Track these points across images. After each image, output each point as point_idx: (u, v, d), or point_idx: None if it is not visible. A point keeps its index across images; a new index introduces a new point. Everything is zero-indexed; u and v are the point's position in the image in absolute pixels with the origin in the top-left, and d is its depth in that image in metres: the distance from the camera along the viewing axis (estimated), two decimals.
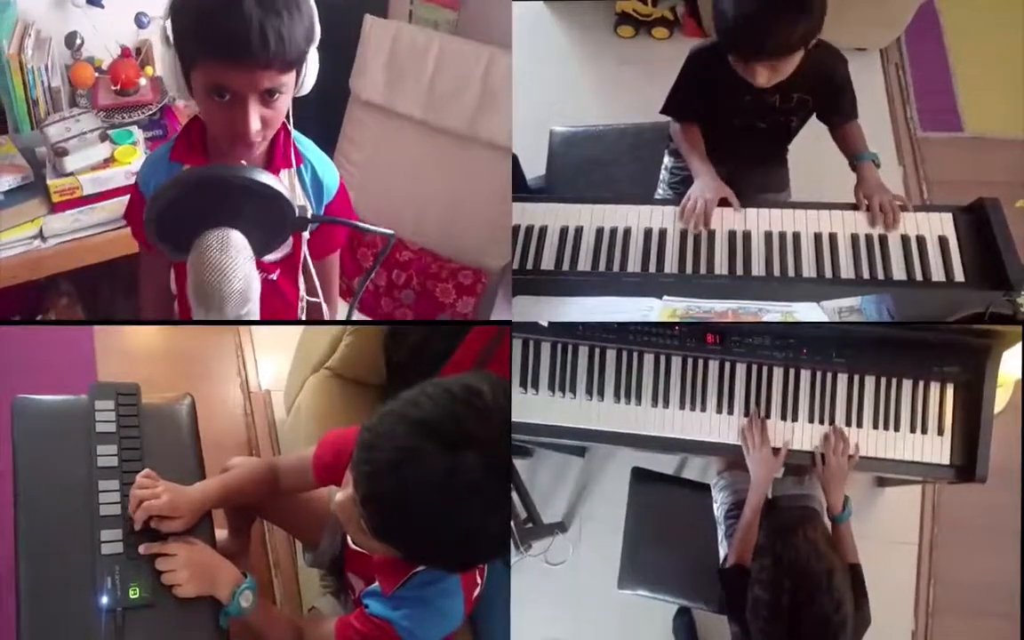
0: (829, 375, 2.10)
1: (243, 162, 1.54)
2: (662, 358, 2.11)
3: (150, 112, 2.48)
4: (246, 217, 1.38)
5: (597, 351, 2.11)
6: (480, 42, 2.50)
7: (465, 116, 2.51)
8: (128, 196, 1.81)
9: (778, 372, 2.10)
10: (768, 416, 2.09)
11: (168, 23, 1.47)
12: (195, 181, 1.38)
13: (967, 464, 2.05)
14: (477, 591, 1.59)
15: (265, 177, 1.39)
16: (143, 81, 2.51)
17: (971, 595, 2.71)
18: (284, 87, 1.47)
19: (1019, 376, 2.33)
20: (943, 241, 1.98)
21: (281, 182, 1.46)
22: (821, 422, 2.08)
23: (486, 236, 2.50)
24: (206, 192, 1.37)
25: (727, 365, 2.11)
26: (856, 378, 2.09)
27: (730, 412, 2.09)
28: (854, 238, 2.00)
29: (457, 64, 2.35)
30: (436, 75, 2.51)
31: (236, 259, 1.36)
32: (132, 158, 2.28)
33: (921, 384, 2.08)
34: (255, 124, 1.46)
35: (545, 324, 1.99)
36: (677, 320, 1.89)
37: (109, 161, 2.29)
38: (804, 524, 1.71)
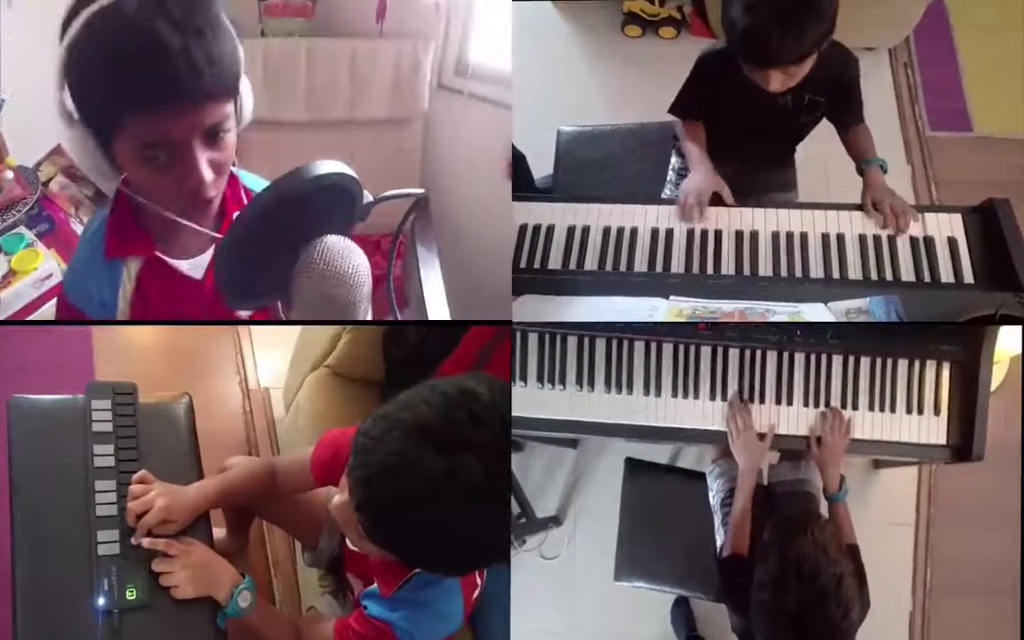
0: (824, 357, 2.08)
1: (194, 225, 1.35)
2: (653, 346, 2.09)
3: (27, 207, 2.11)
4: (327, 220, 1.29)
5: (586, 341, 2.09)
6: (341, 36, 2.65)
7: (343, 105, 2.65)
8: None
9: (772, 356, 2.08)
10: (762, 400, 2.07)
11: (65, 96, 1.25)
12: (292, 200, 1.23)
13: (963, 444, 2.04)
14: (477, 592, 1.58)
15: (334, 167, 1.27)
16: (8, 174, 2.11)
17: (968, 575, 2.71)
18: (227, 121, 1.30)
19: (1014, 352, 2.31)
20: (952, 242, 1.96)
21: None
22: (816, 405, 2.07)
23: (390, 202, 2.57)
24: (297, 211, 1.24)
25: (719, 350, 2.09)
26: (851, 359, 2.08)
27: (724, 398, 2.07)
28: (862, 239, 1.99)
29: (326, 61, 2.58)
30: (310, 77, 2.65)
31: (355, 258, 1.29)
32: (36, 263, 1.98)
33: (917, 364, 2.07)
34: (207, 173, 1.28)
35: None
36: (684, 320, 1.88)
37: (9, 276, 1.96)
38: (811, 524, 1.70)
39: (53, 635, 1.46)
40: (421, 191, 1.43)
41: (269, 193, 1.24)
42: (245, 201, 1.49)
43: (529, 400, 2.08)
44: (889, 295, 1.86)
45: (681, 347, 2.09)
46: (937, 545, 2.75)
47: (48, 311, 1.98)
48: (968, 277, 1.92)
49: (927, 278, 1.92)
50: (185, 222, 1.33)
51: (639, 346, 2.09)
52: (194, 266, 1.48)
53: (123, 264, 1.46)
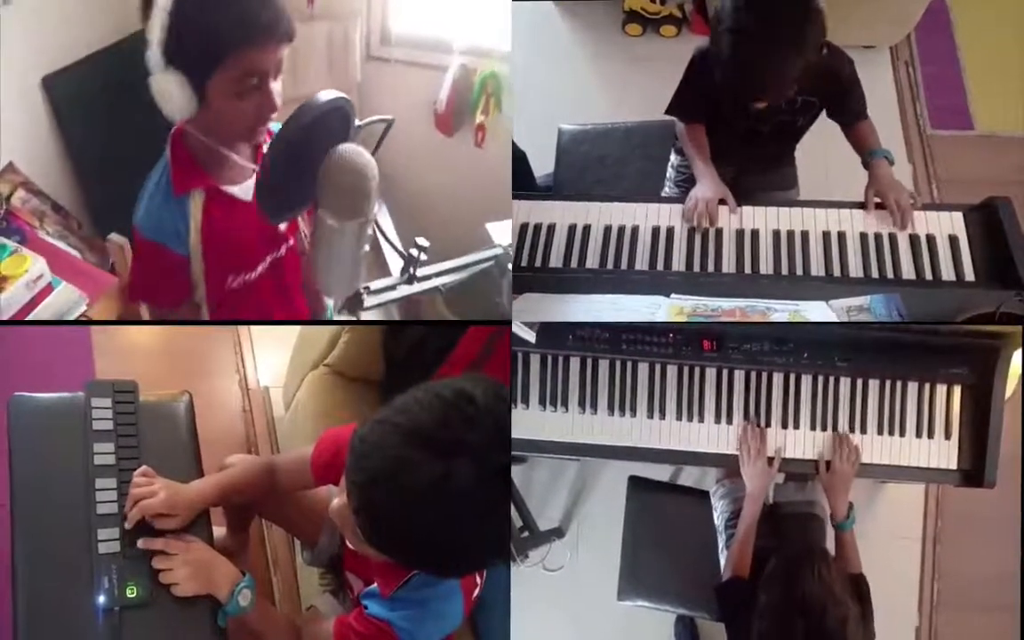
0: (831, 379, 2.06)
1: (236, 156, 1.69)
2: (657, 367, 2.08)
3: None
4: (334, 136, 1.55)
5: (589, 362, 2.09)
6: None
7: (285, 84, 2.84)
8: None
9: (778, 378, 2.07)
10: (768, 424, 2.06)
11: (161, 48, 1.53)
12: (309, 124, 1.51)
13: (975, 469, 2.03)
14: (477, 591, 1.58)
15: (334, 93, 1.55)
16: None
17: (975, 590, 2.69)
18: (283, 62, 1.62)
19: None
20: (953, 240, 1.96)
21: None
22: (823, 429, 2.06)
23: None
24: (314, 134, 1.52)
25: (725, 372, 2.07)
26: (859, 382, 2.06)
27: (729, 421, 2.06)
28: (863, 237, 1.99)
29: None
30: None
31: (366, 156, 1.53)
32: (25, 266, 2.01)
33: (927, 386, 2.05)
34: (279, 100, 1.61)
35: (533, 335, 1.96)
36: (684, 318, 1.87)
37: (3, 281, 1.99)
38: (818, 562, 1.68)
39: (54, 633, 1.45)
40: (391, 117, 1.68)
41: (289, 126, 1.52)
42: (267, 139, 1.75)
43: (531, 422, 2.08)
44: (890, 293, 1.85)
45: (686, 369, 2.08)
46: (944, 560, 2.73)
47: (44, 311, 2.01)
48: (969, 275, 1.92)
49: (928, 276, 1.92)
50: (230, 154, 1.67)
51: (643, 368, 2.08)
52: (244, 190, 1.75)
53: (189, 198, 1.70)
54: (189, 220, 1.70)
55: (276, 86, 1.61)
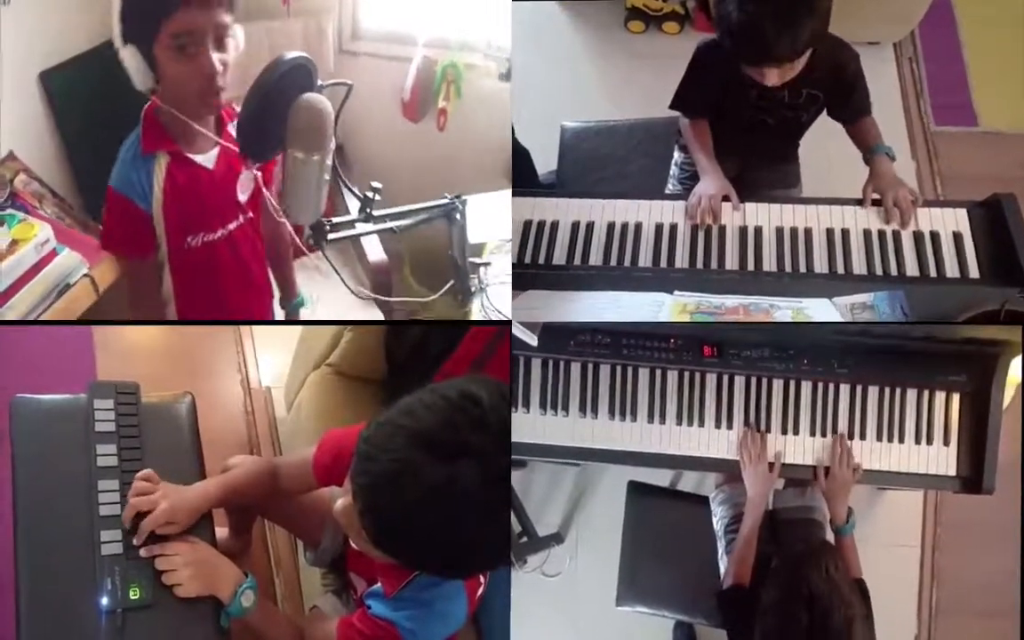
0: (831, 386, 2.07)
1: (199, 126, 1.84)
2: (657, 373, 2.08)
3: (3, 199, 2.31)
4: (299, 89, 1.70)
5: (590, 366, 2.09)
6: (257, 20, 2.84)
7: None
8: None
9: (778, 384, 2.07)
10: (768, 430, 2.06)
11: (119, 28, 1.71)
12: (277, 79, 1.68)
13: (974, 475, 2.03)
14: (480, 590, 1.58)
15: (298, 53, 1.71)
16: None
17: (974, 596, 2.68)
18: (229, 29, 1.75)
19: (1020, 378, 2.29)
20: (957, 237, 1.96)
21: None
22: (823, 435, 2.06)
23: None
24: (283, 86, 1.68)
25: (725, 378, 2.08)
26: (859, 388, 2.06)
27: (729, 427, 2.06)
28: (866, 234, 1.98)
29: (248, 42, 2.79)
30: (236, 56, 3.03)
31: (325, 102, 1.69)
32: (34, 230, 2.16)
33: (926, 393, 2.06)
34: (218, 65, 1.73)
35: (534, 338, 1.96)
36: (688, 316, 1.87)
37: (12, 245, 2.13)
38: (827, 558, 1.67)
39: (57, 634, 1.45)
40: (349, 82, 1.82)
41: (262, 77, 1.68)
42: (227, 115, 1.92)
43: (532, 427, 2.08)
44: (894, 290, 1.85)
45: (686, 374, 2.08)
46: (943, 566, 2.73)
47: (50, 272, 2.11)
48: (973, 272, 1.91)
49: (932, 273, 1.92)
50: (195, 125, 1.82)
51: (643, 373, 2.08)
52: (207, 158, 1.90)
53: (155, 159, 1.85)
54: (153, 179, 1.85)
55: (222, 55, 1.75)
